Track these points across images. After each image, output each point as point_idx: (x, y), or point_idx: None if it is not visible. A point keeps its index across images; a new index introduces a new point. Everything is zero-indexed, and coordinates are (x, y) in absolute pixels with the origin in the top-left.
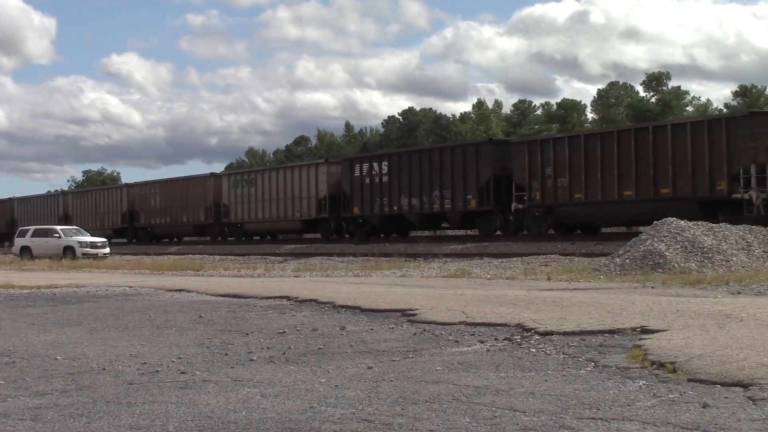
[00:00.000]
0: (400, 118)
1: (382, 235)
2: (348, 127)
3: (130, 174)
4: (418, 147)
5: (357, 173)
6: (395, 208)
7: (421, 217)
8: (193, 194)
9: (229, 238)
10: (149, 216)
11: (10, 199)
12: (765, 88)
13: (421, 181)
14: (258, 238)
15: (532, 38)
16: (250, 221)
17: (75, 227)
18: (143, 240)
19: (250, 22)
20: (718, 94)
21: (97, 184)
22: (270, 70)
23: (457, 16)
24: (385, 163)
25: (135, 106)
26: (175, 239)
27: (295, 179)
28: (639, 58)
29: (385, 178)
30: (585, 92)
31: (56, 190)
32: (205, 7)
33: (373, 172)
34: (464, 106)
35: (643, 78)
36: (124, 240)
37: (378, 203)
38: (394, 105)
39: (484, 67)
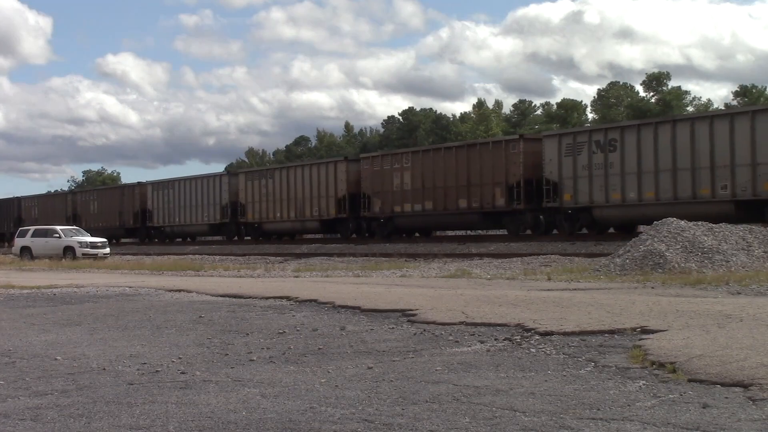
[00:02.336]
0: (400, 118)
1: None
2: (348, 127)
3: (130, 174)
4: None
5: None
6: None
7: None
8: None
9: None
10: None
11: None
12: (765, 88)
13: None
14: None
15: (527, 38)
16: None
17: (75, 227)
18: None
19: (243, 23)
20: (714, 95)
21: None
22: (265, 71)
23: (451, 16)
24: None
25: (132, 106)
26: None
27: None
28: (635, 58)
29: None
30: (582, 92)
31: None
32: (198, 7)
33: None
34: (461, 106)
35: (640, 78)
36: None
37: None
38: (390, 105)
39: (479, 67)
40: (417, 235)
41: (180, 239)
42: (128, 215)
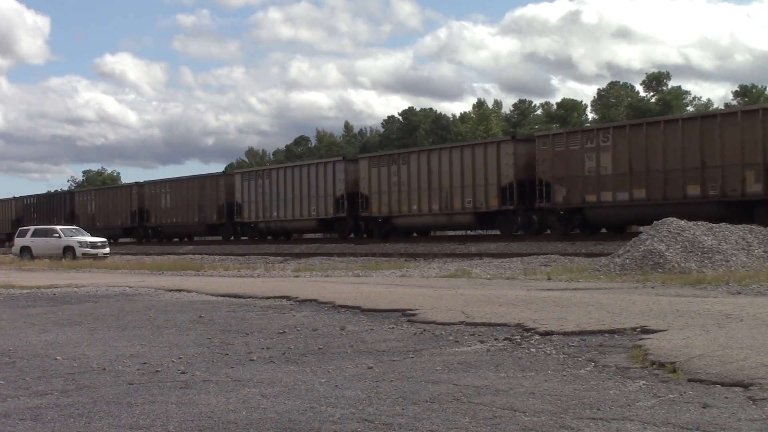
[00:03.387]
0: (400, 118)
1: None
2: (347, 127)
3: (130, 174)
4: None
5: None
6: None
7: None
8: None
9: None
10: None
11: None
12: (765, 88)
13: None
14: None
15: (525, 38)
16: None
17: (75, 227)
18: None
19: (241, 23)
20: (712, 95)
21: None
22: (263, 71)
23: (449, 16)
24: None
25: (130, 106)
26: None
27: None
28: (633, 58)
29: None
30: (581, 92)
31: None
32: (195, 7)
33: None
34: (460, 106)
35: (638, 77)
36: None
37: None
38: (389, 105)
39: (478, 67)
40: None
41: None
42: (210, 209)
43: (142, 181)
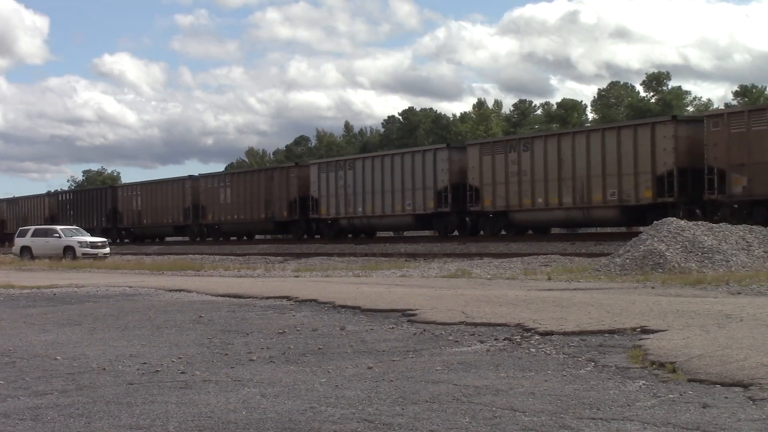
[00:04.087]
0: (400, 118)
1: (349, 236)
2: (348, 127)
3: (130, 174)
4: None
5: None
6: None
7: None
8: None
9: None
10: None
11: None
12: (765, 88)
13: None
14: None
15: (523, 38)
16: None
17: (75, 227)
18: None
19: (239, 23)
20: (711, 95)
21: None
22: (262, 71)
23: (447, 16)
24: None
25: (129, 106)
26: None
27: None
28: (631, 58)
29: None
30: (579, 92)
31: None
32: (193, 7)
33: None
34: (459, 106)
35: (637, 77)
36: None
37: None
38: (388, 105)
39: (477, 67)
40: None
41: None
42: (280, 205)
43: (196, 174)
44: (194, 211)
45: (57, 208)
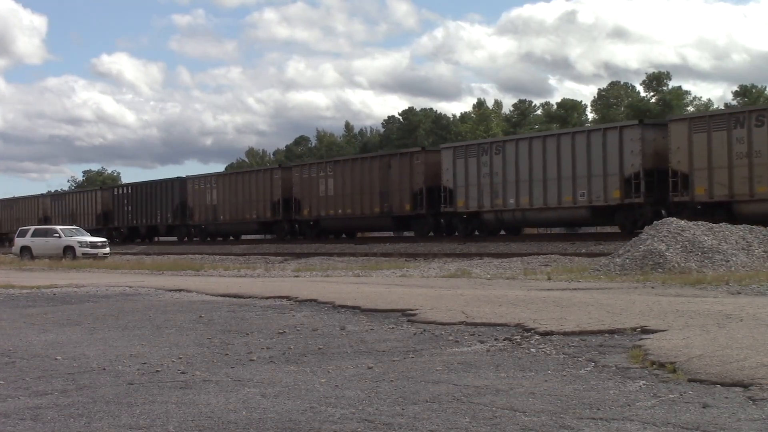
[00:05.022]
0: (400, 118)
1: (330, 236)
2: (348, 127)
3: (131, 174)
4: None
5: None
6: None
7: None
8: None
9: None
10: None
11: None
12: (765, 88)
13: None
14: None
15: (521, 39)
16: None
17: (75, 227)
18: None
19: (237, 23)
20: (709, 95)
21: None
22: (260, 71)
23: (444, 16)
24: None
25: (128, 106)
26: (345, 235)
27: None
28: (630, 58)
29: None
30: (578, 92)
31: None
32: (191, 7)
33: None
34: (458, 106)
35: (636, 77)
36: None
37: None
38: (387, 105)
39: (475, 67)
40: (343, 236)
41: (334, 235)
42: (401, 197)
43: (288, 163)
44: (285, 206)
45: (112, 203)
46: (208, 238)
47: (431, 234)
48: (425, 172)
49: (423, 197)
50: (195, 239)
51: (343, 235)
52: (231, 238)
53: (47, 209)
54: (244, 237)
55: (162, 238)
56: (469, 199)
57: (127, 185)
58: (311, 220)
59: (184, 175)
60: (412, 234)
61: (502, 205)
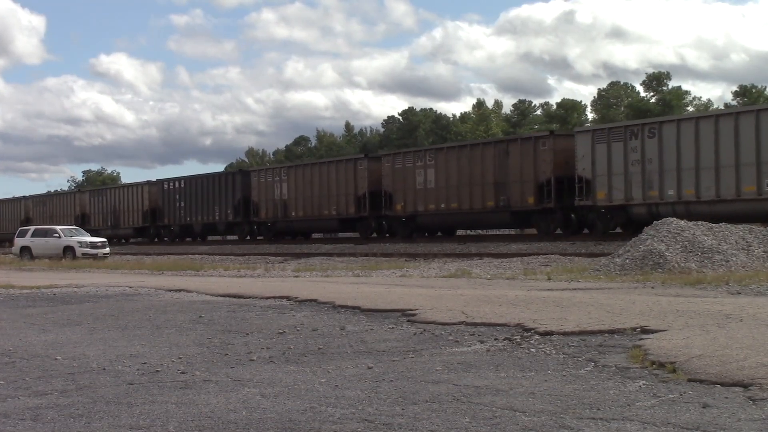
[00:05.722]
0: (400, 118)
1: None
2: (348, 127)
3: (130, 174)
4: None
5: None
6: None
7: None
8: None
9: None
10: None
11: (149, 182)
12: (765, 88)
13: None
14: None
15: (520, 39)
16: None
17: (74, 227)
18: (387, 234)
19: (235, 23)
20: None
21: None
22: (259, 71)
23: (443, 16)
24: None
25: (127, 106)
26: (440, 233)
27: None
28: (628, 58)
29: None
30: (577, 92)
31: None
32: (188, 7)
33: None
34: (457, 106)
35: (635, 77)
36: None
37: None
38: (386, 105)
39: (474, 67)
40: (439, 233)
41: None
42: (522, 188)
43: (376, 153)
44: (371, 200)
45: (161, 199)
46: (272, 236)
47: (559, 232)
48: (554, 160)
49: (551, 188)
50: (259, 238)
51: (439, 233)
52: (306, 236)
53: (85, 206)
54: (315, 236)
55: (214, 237)
56: (613, 190)
57: (179, 179)
58: (404, 216)
59: (247, 168)
60: (533, 232)
61: (657, 198)
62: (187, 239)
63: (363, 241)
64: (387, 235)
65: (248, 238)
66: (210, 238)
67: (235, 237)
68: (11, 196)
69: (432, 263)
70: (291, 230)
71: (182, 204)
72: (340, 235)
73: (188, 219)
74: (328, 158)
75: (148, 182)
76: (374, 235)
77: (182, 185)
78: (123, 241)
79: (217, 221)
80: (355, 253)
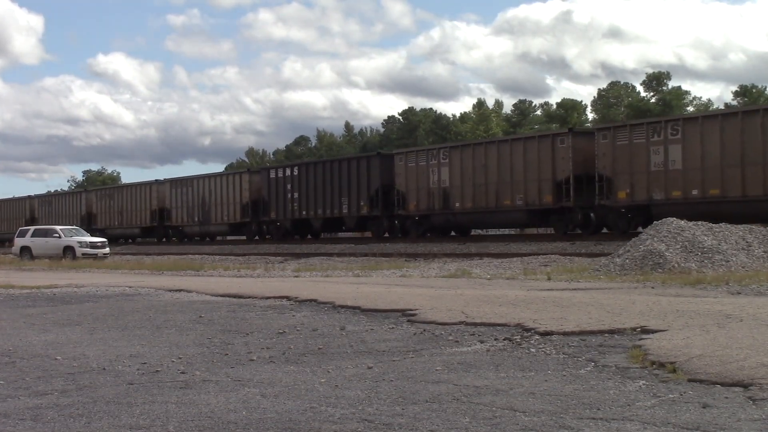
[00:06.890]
0: (399, 118)
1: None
2: (348, 127)
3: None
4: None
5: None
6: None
7: None
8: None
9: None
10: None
11: (250, 170)
12: (765, 88)
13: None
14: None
15: (518, 38)
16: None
17: (74, 227)
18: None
19: (232, 23)
20: (707, 95)
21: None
22: (257, 71)
23: (440, 16)
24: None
25: (126, 106)
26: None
27: None
28: (626, 58)
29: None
30: (576, 92)
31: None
32: (185, 7)
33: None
34: (456, 106)
35: (633, 77)
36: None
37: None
38: (384, 105)
39: (472, 67)
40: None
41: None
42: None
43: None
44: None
45: (266, 189)
46: (428, 234)
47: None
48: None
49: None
50: (398, 235)
51: (452, 233)
52: (464, 234)
53: (164, 199)
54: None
55: (343, 234)
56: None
57: (290, 165)
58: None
59: (390, 151)
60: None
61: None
62: (296, 236)
63: (415, 240)
64: (400, 235)
65: (386, 235)
66: (335, 235)
67: (356, 234)
68: (12, 196)
69: (432, 263)
70: (452, 225)
71: (295, 195)
72: (340, 235)
73: (303, 213)
74: (513, 136)
75: (249, 170)
76: (387, 235)
77: (296, 173)
78: (165, 240)
79: (345, 215)
80: (355, 253)
